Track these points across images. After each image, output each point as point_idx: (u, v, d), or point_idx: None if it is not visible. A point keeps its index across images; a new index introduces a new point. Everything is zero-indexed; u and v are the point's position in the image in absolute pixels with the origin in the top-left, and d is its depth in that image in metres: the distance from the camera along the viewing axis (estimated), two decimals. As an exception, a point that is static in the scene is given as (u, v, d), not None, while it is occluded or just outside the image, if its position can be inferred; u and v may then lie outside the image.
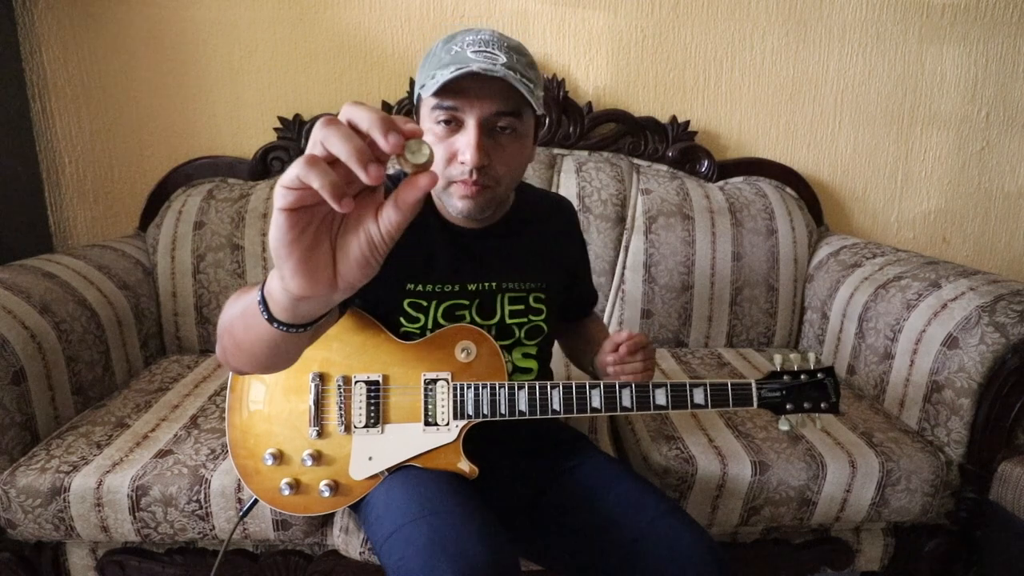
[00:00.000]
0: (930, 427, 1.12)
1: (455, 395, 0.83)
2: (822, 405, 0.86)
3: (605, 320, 1.51)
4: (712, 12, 1.62)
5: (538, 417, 0.83)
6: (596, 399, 0.83)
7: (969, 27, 1.65)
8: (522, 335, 0.90)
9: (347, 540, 0.97)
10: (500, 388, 0.82)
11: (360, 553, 0.96)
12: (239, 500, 0.94)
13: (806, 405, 0.86)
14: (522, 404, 0.82)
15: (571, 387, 0.83)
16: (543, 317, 0.91)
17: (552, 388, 0.82)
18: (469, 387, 0.83)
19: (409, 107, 1.56)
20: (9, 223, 1.47)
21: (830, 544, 1.13)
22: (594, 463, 0.89)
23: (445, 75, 0.70)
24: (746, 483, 1.01)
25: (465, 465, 0.82)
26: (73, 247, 1.50)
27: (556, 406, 0.82)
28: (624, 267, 1.51)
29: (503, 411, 0.82)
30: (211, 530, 0.96)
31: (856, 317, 1.33)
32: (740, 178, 1.65)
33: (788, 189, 1.64)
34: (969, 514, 1.09)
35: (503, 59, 0.73)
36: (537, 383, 0.83)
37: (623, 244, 1.52)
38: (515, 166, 0.79)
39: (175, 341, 1.46)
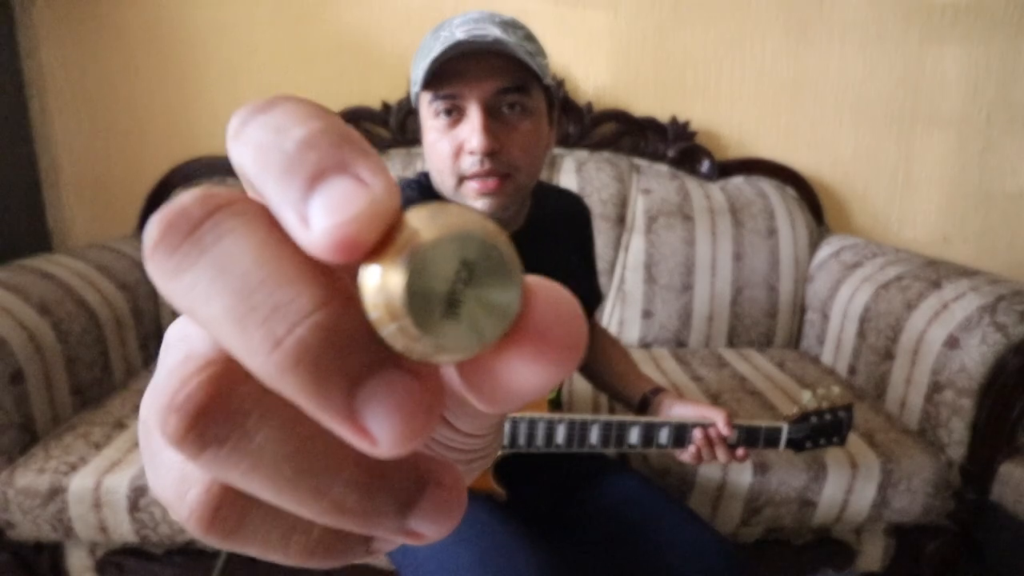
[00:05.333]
0: (931, 427, 1.11)
1: None
2: (834, 439, 0.87)
3: (605, 321, 1.51)
4: (712, 12, 1.62)
5: (574, 451, 0.81)
6: (634, 436, 0.81)
7: (970, 27, 1.65)
8: None
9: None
10: (539, 421, 0.80)
11: (359, 554, 0.96)
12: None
13: (821, 441, 0.86)
14: (560, 438, 0.80)
15: (611, 424, 0.81)
16: None
17: (592, 424, 0.80)
18: (507, 418, 0.81)
19: (408, 110, 1.56)
20: (7, 223, 1.47)
21: (831, 545, 1.13)
22: (610, 474, 0.89)
23: (435, 58, 0.65)
24: (747, 484, 1.01)
25: (496, 488, 0.82)
26: (72, 247, 1.50)
27: (594, 441, 0.80)
28: (624, 267, 1.51)
29: (540, 443, 0.80)
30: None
31: (857, 317, 1.32)
32: (740, 178, 1.64)
33: (789, 189, 1.63)
34: (970, 515, 1.08)
35: (496, 32, 0.67)
36: (577, 418, 0.80)
37: (623, 244, 1.52)
38: (531, 149, 0.72)
39: (174, 341, 1.46)
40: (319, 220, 0.10)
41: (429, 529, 0.12)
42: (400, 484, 0.12)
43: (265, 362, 0.10)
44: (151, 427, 0.13)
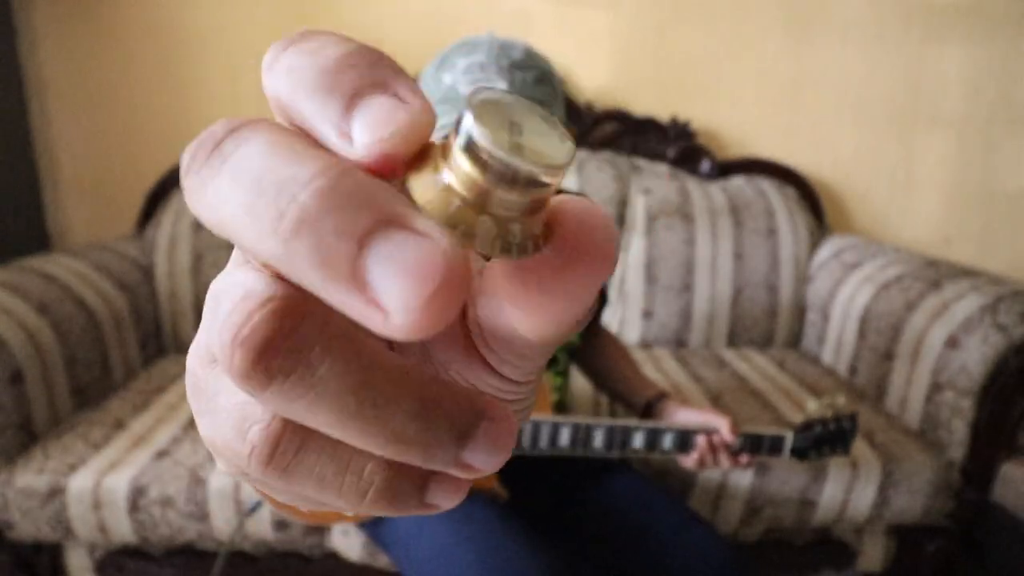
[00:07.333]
0: (932, 428, 1.11)
1: None
2: (837, 449, 0.87)
3: (605, 321, 1.50)
4: (712, 12, 1.62)
5: (577, 455, 0.81)
6: (638, 440, 0.81)
7: (971, 27, 1.65)
8: (564, 359, 0.89)
9: (347, 542, 0.96)
10: (543, 423, 0.80)
11: (360, 555, 0.96)
12: (237, 501, 0.94)
13: (825, 450, 0.86)
14: (563, 441, 0.80)
15: (615, 428, 0.81)
16: (577, 337, 0.90)
17: (596, 428, 0.80)
18: None
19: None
20: (7, 223, 1.47)
21: (831, 545, 1.13)
22: (611, 474, 0.89)
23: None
24: (747, 484, 1.01)
25: (497, 488, 0.82)
26: (71, 247, 1.50)
27: (598, 444, 0.80)
28: (624, 267, 1.51)
29: (543, 445, 0.80)
30: (210, 531, 0.96)
31: (857, 317, 1.32)
32: (741, 178, 1.64)
33: (789, 189, 1.63)
34: (971, 515, 1.08)
35: (502, 87, 0.64)
36: (581, 421, 0.81)
37: (623, 244, 1.52)
38: None
39: (173, 342, 1.45)
40: (361, 136, 0.11)
41: (483, 461, 0.12)
42: (457, 415, 0.12)
43: (274, 241, 0.10)
44: (201, 375, 0.13)
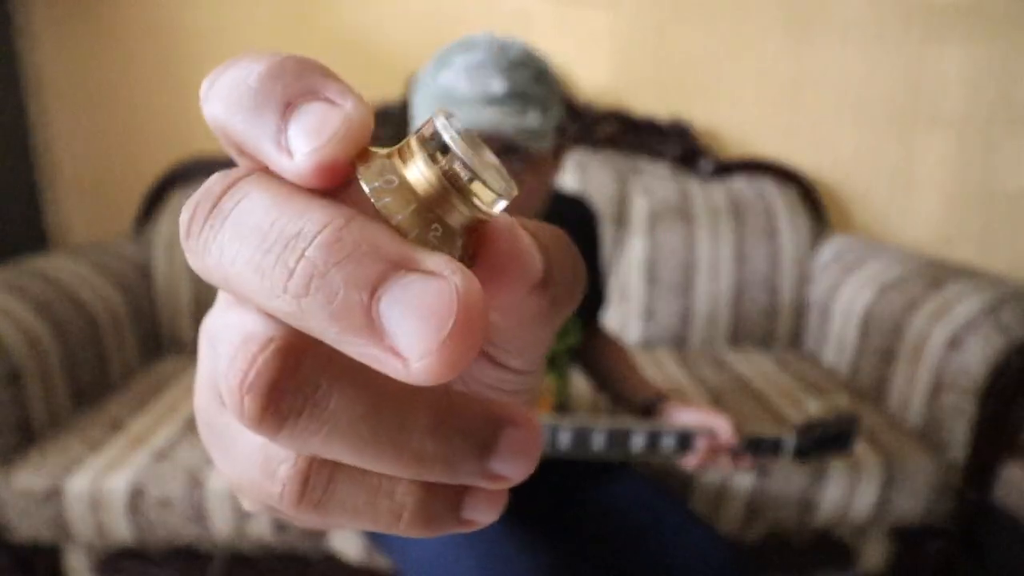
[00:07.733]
0: (933, 428, 1.11)
1: None
2: (839, 449, 0.87)
3: (606, 321, 1.50)
4: (712, 12, 1.61)
5: (577, 456, 0.80)
6: (639, 443, 0.80)
7: (971, 27, 1.64)
8: (564, 361, 0.89)
9: (346, 544, 0.96)
10: (543, 425, 0.79)
11: (359, 557, 0.96)
12: (236, 503, 0.94)
13: (826, 451, 0.86)
14: (563, 442, 0.80)
15: (615, 431, 0.80)
16: (578, 338, 0.90)
17: (595, 429, 0.80)
18: None
19: (406, 103, 1.56)
20: (6, 223, 1.47)
21: (832, 547, 1.13)
22: (612, 475, 0.89)
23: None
24: (748, 485, 1.01)
25: None
26: (70, 246, 1.49)
27: (597, 446, 0.80)
28: (624, 267, 1.51)
29: (543, 448, 0.80)
30: (208, 533, 0.95)
31: (858, 317, 1.32)
32: (741, 178, 1.64)
33: (790, 189, 1.63)
34: (971, 516, 1.08)
35: (500, 86, 0.64)
36: (580, 423, 0.80)
37: (623, 244, 1.51)
38: (534, 200, 0.72)
39: (172, 342, 1.45)
40: (299, 147, 0.11)
41: (510, 469, 0.12)
42: (476, 427, 0.12)
43: (284, 299, 0.10)
44: (216, 421, 0.13)
